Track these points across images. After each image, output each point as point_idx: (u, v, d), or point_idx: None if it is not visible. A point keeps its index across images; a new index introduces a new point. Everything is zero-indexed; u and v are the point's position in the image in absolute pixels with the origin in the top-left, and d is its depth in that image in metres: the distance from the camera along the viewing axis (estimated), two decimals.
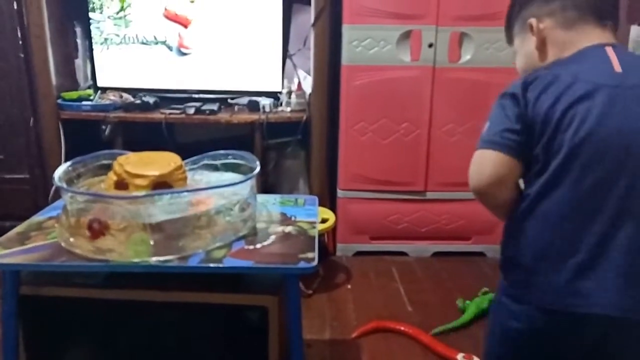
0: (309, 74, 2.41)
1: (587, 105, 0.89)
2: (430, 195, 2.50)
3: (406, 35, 2.28)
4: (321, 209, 2.31)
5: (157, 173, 1.22)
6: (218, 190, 1.24)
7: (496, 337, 1.07)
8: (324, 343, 1.81)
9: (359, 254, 2.55)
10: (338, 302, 2.10)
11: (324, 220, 2.21)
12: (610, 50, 0.95)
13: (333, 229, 2.54)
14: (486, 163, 0.97)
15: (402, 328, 1.85)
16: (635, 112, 0.90)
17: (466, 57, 2.32)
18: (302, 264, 1.09)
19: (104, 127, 2.28)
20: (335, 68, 2.38)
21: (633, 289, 0.89)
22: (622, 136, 0.89)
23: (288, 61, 2.53)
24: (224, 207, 1.20)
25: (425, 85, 2.34)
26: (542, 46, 1.02)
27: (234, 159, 1.41)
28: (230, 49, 2.46)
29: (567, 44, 0.99)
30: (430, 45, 2.29)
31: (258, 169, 1.28)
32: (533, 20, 1.01)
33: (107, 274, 1.26)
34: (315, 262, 1.10)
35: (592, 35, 0.98)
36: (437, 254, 2.57)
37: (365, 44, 2.28)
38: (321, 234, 2.46)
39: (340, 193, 2.50)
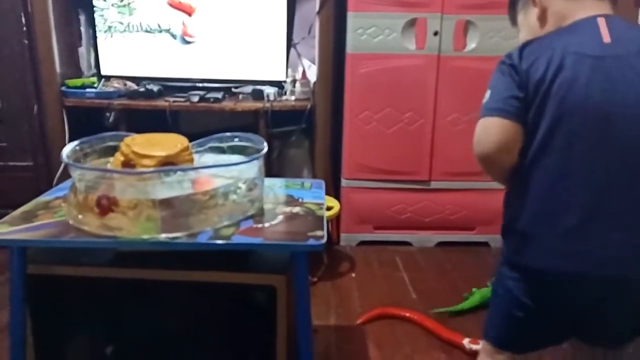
0: (314, 63, 2.40)
1: (572, 76, 0.93)
2: (434, 185, 2.49)
3: (411, 23, 2.28)
4: (325, 197, 2.30)
5: (164, 154, 1.21)
6: (225, 170, 1.24)
7: (496, 303, 1.11)
8: (329, 329, 1.80)
9: (363, 243, 2.55)
10: (342, 290, 2.10)
11: (328, 209, 2.21)
12: (602, 21, 0.97)
13: (337, 219, 2.54)
14: (491, 130, 1.00)
15: (407, 314, 1.85)
16: (618, 82, 0.92)
17: (471, 45, 2.31)
18: (311, 241, 1.09)
19: (107, 114, 2.27)
20: (340, 57, 2.37)
21: (622, 250, 0.94)
22: (604, 106, 0.92)
23: (292, 50, 2.53)
24: (231, 187, 1.19)
25: (430, 74, 2.33)
26: (543, 17, 1.05)
27: (241, 141, 1.40)
28: (234, 38, 2.45)
29: (566, 15, 1.02)
30: (436, 34, 2.28)
31: (265, 149, 1.28)
32: None
33: (116, 253, 1.26)
34: (324, 240, 1.10)
35: (588, 7, 1.00)
36: (440, 244, 2.56)
37: (370, 32, 2.27)
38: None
39: (344, 182, 2.49)
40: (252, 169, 1.25)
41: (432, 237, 2.57)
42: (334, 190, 2.50)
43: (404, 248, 2.53)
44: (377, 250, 2.49)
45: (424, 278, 2.22)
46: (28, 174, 2.36)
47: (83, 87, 2.35)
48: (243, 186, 1.21)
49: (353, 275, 2.25)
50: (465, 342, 1.65)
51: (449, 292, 2.04)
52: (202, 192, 1.14)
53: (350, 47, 2.30)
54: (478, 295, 1.95)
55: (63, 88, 2.33)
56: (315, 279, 2.15)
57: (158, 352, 1.26)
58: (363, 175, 2.47)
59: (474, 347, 1.63)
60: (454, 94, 2.37)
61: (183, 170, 1.14)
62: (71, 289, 1.23)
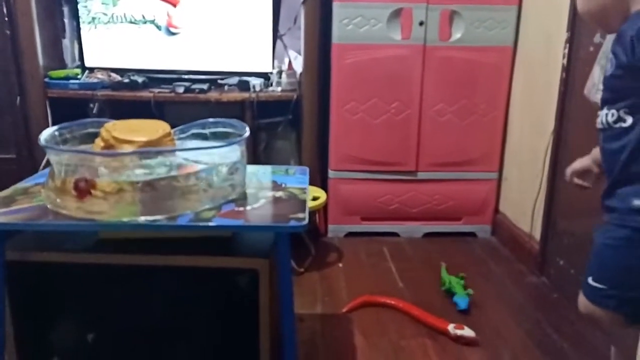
0: (300, 54, 2.39)
1: None
2: (421, 175, 2.50)
3: (397, 13, 2.28)
4: (312, 187, 2.30)
5: (145, 139, 1.20)
6: (207, 155, 1.23)
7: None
8: (315, 317, 1.80)
9: (350, 234, 2.55)
10: (329, 280, 2.10)
11: (315, 199, 2.20)
12: None
13: (324, 210, 2.53)
14: None
15: (392, 302, 1.85)
16: None
17: (457, 35, 2.32)
18: (292, 223, 1.09)
19: (91, 105, 2.25)
20: (326, 47, 2.37)
21: None
22: None
23: (279, 42, 2.52)
24: (212, 171, 1.18)
25: (416, 64, 2.34)
26: None
27: (224, 127, 1.39)
28: (219, 29, 2.44)
29: None
30: (421, 24, 2.28)
31: (247, 133, 1.27)
32: None
33: (97, 240, 1.25)
34: (306, 222, 1.09)
35: None
36: (428, 235, 2.57)
37: (356, 22, 2.27)
38: (312, 214, 2.45)
39: (331, 174, 2.49)
40: (234, 153, 1.25)
41: (419, 228, 2.58)
42: (321, 181, 2.49)
43: (391, 239, 2.53)
44: (365, 242, 2.49)
45: (411, 268, 2.22)
46: (11, 166, 2.33)
47: (66, 78, 2.33)
48: (224, 170, 1.20)
49: (340, 265, 2.24)
50: (450, 327, 1.65)
51: (435, 281, 2.04)
52: (182, 174, 1.14)
53: (336, 37, 2.30)
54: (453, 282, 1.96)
55: (46, 79, 2.30)
56: (302, 270, 2.15)
57: (140, 338, 1.25)
58: (350, 166, 2.47)
59: (459, 332, 1.64)
60: (440, 84, 2.37)
61: (162, 152, 1.13)
62: (51, 276, 1.22)
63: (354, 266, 2.24)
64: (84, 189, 1.05)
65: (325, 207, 2.52)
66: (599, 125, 1.11)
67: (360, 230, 2.55)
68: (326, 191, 2.43)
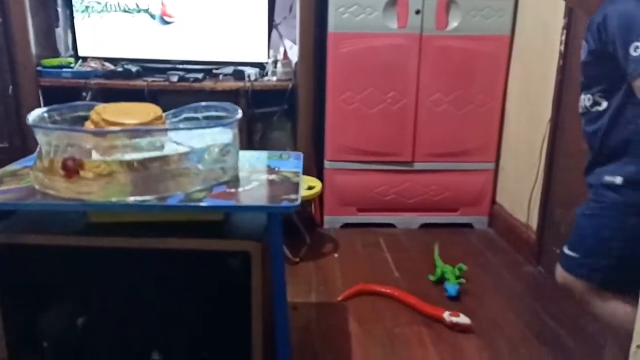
0: (295, 43, 2.37)
1: None
2: (417, 166, 2.48)
3: (393, 1, 2.26)
4: (308, 177, 2.28)
5: (135, 121, 1.18)
6: (199, 138, 1.21)
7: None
8: (310, 305, 1.78)
9: (347, 226, 2.53)
10: (325, 269, 2.08)
11: (310, 188, 2.19)
12: None
13: (320, 201, 2.52)
14: None
15: (388, 290, 1.84)
16: None
17: (453, 24, 2.30)
18: (285, 203, 1.07)
19: (84, 94, 2.22)
20: (321, 36, 2.35)
21: None
22: None
23: (274, 31, 2.50)
24: (203, 152, 1.17)
25: (412, 53, 2.32)
26: None
27: (216, 111, 1.37)
28: (214, 18, 2.42)
29: None
30: (418, 12, 2.27)
31: (239, 115, 1.25)
32: None
33: (86, 223, 1.23)
34: (298, 202, 1.08)
35: None
36: (424, 226, 2.56)
37: (352, 10, 2.25)
38: (308, 205, 2.43)
39: (327, 164, 2.47)
40: (226, 134, 1.23)
41: (415, 219, 2.56)
42: (317, 172, 2.47)
43: (387, 230, 2.51)
44: (361, 233, 2.48)
45: (407, 258, 2.21)
46: (4, 155, 2.30)
47: (59, 67, 2.30)
48: (216, 151, 1.18)
49: (336, 255, 2.23)
50: (446, 314, 1.64)
51: (431, 271, 2.03)
52: (172, 155, 1.12)
53: (331, 26, 2.28)
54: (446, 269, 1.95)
55: (39, 68, 2.28)
56: (297, 259, 2.13)
57: (131, 321, 1.23)
58: (346, 156, 2.45)
59: (455, 319, 1.62)
60: (436, 73, 2.36)
61: (151, 130, 1.11)
62: (40, 259, 1.20)
63: (350, 256, 2.22)
64: (71, 168, 1.03)
65: (321, 198, 2.50)
66: (579, 110, 1.17)
67: (356, 222, 2.54)
68: (322, 182, 2.41)
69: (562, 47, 1.91)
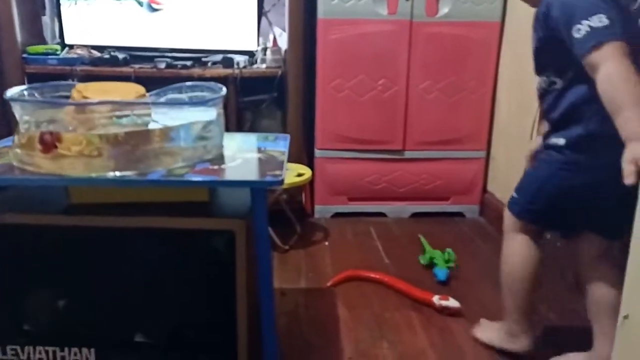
0: (285, 31, 2.35)
1: None
2: (408, 154, 2.47)
3: None
4: (297, 165, 2.26)
5: (117, 100, 1.16)
6: (180, 111, 1.19)
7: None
8: (298, 291, 1.77)
9: (337, 215, 2.52)
10: (315, 257, 2.06)
11: (299, 175, 2.17)
12: None
13: (311, 191, 2.50)
14: None
15: (377, 276, 1.82)
16: None
17: (444, 10, 2.29)
18: (269, 178, 1.05)
19: (70, 81, 2.19)
20: (311, 23, 2.33)
21: None
22: None
23: (263, 19, 2.47)
24: (186, 128, 1.15)
25: (402, 40, 2.31)
26: None
27: (201, 91, 1.35)
28: (203, 5, 2.39)
29: None
30: None
31: (224, 92, 1.23)
32: None
33: (68, 205, 1.21)
34: (283, 178, 1.06)
35: None
36: (415, 215, 2.54)
37: None
38: (298, 194, 2.42)
39: (317, 153, 2.46)
40: (209, 112, 1.21)
41: (406, 208, 2.55)
42: (307, 161, 2.45)
43: (378, 219, 2.50)
44: (352, 222, 2.46)
45: (397, 245, 2.20)
46: None
47: (45, 54, 2.27)
48: (199, 128, 1.16)
49: (326, 243, 2.21)
50: (435, 299, 1.63)
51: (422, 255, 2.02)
52: (154, 130, 1.10)
53: (321, 12, 2.26)
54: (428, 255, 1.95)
55: (24, 55, 2.25)
56: (287, 247, 2.11)
57: (113, 303, 1.21)
58: (337, 145, 2.43)
59: (444, 303, 1.61)
60: (427, 60, 2.34)
61: (132, 103, 1.09)
62: (20, 239, 1.17)
63: (340, 244, 2.21)
64: (49, 142, 1.00)
65: (311, 187, 2.49)
66: (537, 93, 1.35)
67: (347, 211, 2.52)
68: (313, 171, 2.40)
69: None
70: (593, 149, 1.19)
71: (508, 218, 1.39)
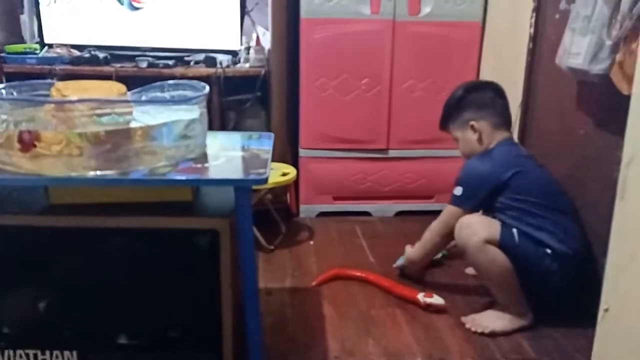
0: (268, 30, 2.34)
1: None
2: (392, 153, 2.48)
3: None
4: (282, 164, 2.26)
5: (98, 98, 1.14)
6: (162, 110, 1.18)
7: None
8: (284, 291, 1.76)
9: (322, 214, 2.52)
10: (300, 256, 2.06)
11: (284, 174, 2.16)
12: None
13: (296, 190, 2.49)
14: None
15: (363, 275, 1.82)
16: None
17: (426, 9, 2.30)
18: (252, 176, 1.05)
19: (50, 80, 2.16)
20: (294, 22, 2.33)
21: None
22: None
23: (246, 18, 2.46)
24: (169, 127, 1.13)
25: (385, 39, 2.31)
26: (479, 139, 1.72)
27: (184, 89, 1.34)
28: (185, 4, 2.37)
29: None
30: None
31: (207, 91, 1.23)
32: (474, 122, 1.73)
33: (47, 206, 1.19)
34: (267, 176, 1.06)
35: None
36: (400, 214, 2.55)
37: None
38: (283, 193, 2.41)
39: (302, 152, 2.45)
40: (192, 111, 1.20)
41: (391, 207, 2.56)
42: (292, 160, 2.45)
43: (363, 218, 2.51)
44: (337, 221, 2.46)
45: (382, 243, 2.20)
46: None
47: (24, 53, 2.23)
48: (181, 126, 1.15)
49: (311, 243, 2.21)
50: (420, 296, 1.64)
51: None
52: (135, 128, 1.08)
53: (304, 11, 2.26)
54: None
55: (2, 54, 2.21)
56: (272, 247, 2.10)
57: (95, 305, 1.19)
58: (321, 144, 2.43)
59: (429, 300, 1.62)
60: (410, 60, 2.36)
61: (113, 102, 1.08)
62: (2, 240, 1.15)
63: (325, 243, 2.20)
64: (27, 141, 0.99)
65: (296, 187, 2.48)
66: None
67: (332, 210, 2.52)
68: (297, 170, 2.39)
69: (532, 30, 1.93)
70: None
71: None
